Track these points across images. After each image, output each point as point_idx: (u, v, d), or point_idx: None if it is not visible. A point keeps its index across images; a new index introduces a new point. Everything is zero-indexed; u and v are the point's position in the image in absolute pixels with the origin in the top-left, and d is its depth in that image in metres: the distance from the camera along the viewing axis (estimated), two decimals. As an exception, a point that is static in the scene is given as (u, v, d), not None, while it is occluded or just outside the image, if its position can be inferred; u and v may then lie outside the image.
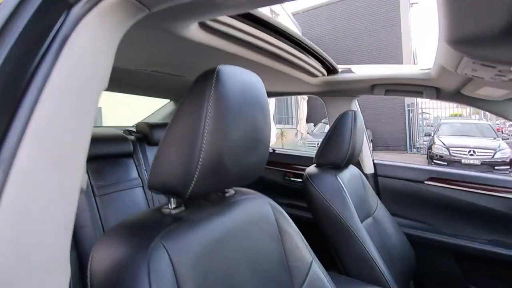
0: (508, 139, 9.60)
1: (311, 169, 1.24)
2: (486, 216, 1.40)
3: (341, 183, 1.16)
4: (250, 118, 0.56)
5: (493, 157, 6.65)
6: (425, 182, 1.52)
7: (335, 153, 1.20)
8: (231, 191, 0.71)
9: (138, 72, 1.15)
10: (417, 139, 10.93)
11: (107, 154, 1.50)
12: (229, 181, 0.58)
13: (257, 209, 0.69)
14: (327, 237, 1.13)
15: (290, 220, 0.76)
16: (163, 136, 0.54)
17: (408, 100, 10.60)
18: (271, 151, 1.98)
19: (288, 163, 1.88)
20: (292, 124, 11.18)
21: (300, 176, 1.79)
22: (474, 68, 0.72)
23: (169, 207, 0.57)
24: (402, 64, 10.34)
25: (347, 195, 1.14)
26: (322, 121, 9.99)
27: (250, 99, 0.56)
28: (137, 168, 1.61)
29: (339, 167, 1.22)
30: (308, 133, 10.00)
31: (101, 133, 1.56)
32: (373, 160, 1.67)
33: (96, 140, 1.54)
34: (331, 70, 1.38)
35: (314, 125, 10.75)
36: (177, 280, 0.47)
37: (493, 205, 1.38)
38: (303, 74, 1.27)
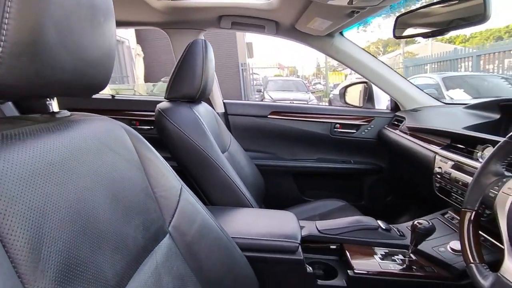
0: (314, 92, 12.18)
1: (163, 104, 1.12)
2: (313, 139, 1.69)
3: (198, 115, 1.10)
4: None
5: (305, 106, 8.41)
6: (268, 116, 1.68)
7: (187, 85, 1.11)
8: (65, 112, 0.52)
9: None
10: (251, 96, 12.20)
11: None
12: (61, 78, 0.40)
13: (107, 131, 0.54)
14: (189, 171, 1.08)
15: (151, 147, 0.65)
16: None
17: (241, 59, 11.48)
18: (110, 97, 1.69)
19: (132, 110, 1.66)
20: (128, 83, 10.13)
21: (148, 122, 1.62)
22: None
23: None
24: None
25: (205, 126, 1.10)
26: (162, 79, 9.52)
27: None
28: None
29: (193, 100, 1.15)
30: (147, 93, 9.35)
31: None
32: (222, 100, 1.69)
33: None
34: (175, -6, 1.24)
35: (153, 85, 10.13)
36: None
37: (317, 129, 1.68)
38: (144, -9, 1.08)
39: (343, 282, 0.86)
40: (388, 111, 1.69)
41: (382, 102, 1.83)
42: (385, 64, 1.53)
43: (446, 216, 1.05)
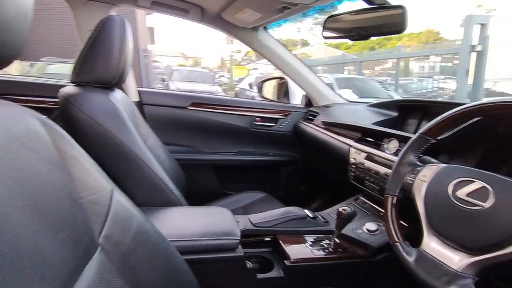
0: (221, 85, 12.25)
1: (70, 89, 0.93)
2: (234, 132, 1.69)
3: (115, 104, 0.96)
4: None
5: (213, 99, 8.41)
6: (188, 107, 1.59)
7: (102, 68, 0.95)
8: None
9: None
10: (152, 85, 11.45)
11: None
12: None
13: (16, 120, 0.41)
14: (107, 169, 0.92)
15: (73, 141, 0.53)
16: None
17: (142, 45, 10.61)
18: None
19: (15, 94, 1.33)
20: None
21: (41, 110, 1.33)
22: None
23: None
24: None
25: (125, 117, 0.96)
26: (43, 59, 8.02)
27: None
28: None
29: (108, 85, 0.99)
30: (22, 74, 7.74)
31: None
32: (136, 87, 1.52)
33: None
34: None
35: (31, 65, 8.45)
36: None
37: (237, 122, 1.68)
38: None
39: (280, 272, 0.88)
40: (302, 106, 1.81)
41: (297, 97, 1.94)
42: (302, 62, 1.62)
43: (358, 201, 1.19)
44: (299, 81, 1.64)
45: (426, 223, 0.65)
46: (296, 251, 0.91)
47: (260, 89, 1.98)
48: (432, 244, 0.62)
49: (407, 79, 6.92)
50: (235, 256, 0.81)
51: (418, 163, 0.75)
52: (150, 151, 1.21)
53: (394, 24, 0.86)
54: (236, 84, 12.36)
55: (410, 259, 0.65)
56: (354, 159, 1.14)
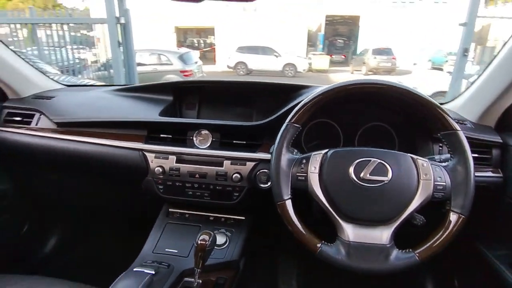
0: None
1: None
2: None
3: None
4: None
5: None
6: None
7: None
8: None
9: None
10: None
11: None
12: None
13: None
14: None
15: None
16: None
17: None
18: None
19: None
20: None
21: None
22: None
23: None
24: None
25: None
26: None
27: None
28: None
29: None
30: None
31: None
32: None
33: None
34: None
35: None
36: None
37: None
38: None
39: None
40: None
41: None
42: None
43: (173, 216, 0.94)
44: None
45: (337, 213, 0.63)
46: None
47: None
48: (354, 231, 0.62)
49: (36, 48, 5.89)
50: None
51: (297, 155, 0.69)
52: None
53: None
54: None
55: (340, 256, 0.61)
56: (161, 167, 0.86)
